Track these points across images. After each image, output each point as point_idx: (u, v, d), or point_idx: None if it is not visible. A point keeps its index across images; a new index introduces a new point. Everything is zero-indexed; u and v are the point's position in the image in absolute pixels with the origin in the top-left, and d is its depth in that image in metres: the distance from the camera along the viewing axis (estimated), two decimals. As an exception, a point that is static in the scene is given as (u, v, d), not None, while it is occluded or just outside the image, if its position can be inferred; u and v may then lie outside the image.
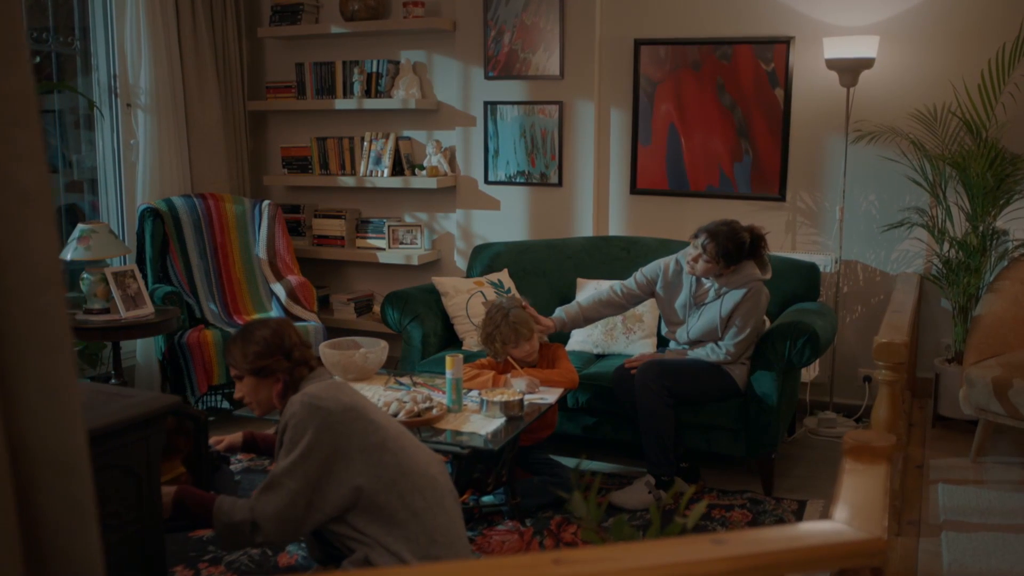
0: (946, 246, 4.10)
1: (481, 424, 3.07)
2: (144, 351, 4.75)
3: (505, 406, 3.10)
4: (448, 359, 3.16)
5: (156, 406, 2.09)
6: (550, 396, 3.34)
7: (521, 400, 3.14)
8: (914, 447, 3.96)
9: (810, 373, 4.31)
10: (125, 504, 2.07)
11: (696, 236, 3.49)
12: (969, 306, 4.07)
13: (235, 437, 2.79)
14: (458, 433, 3.02)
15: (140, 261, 4.51)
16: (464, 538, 2.41)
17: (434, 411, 3.06)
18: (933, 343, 4.40)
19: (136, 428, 2.06)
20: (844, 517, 1.58)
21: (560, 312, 3.74)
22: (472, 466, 3.16)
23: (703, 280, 3.59)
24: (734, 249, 3.44)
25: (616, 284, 3.79)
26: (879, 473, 1.79)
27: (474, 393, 3.29)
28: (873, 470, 1.81)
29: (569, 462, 3.85)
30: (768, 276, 3.56)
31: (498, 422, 3.08)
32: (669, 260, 3.72)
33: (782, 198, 4.49)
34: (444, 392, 3.25)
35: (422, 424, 3.01)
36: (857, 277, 4.46)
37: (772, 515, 3.41)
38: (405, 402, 3.05)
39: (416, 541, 2.26)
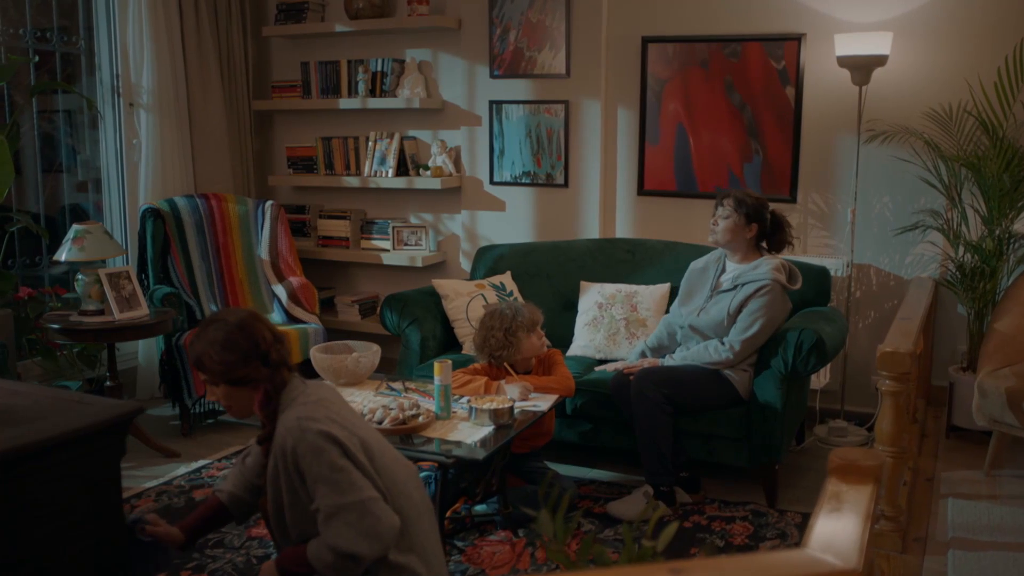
0: (961, 250, 3.95)
1: (469, 432, 2.98)
2: (146, 352, 4.72)
3: (494, 414, 3.02)
4: (436, 365, 3.08)
5: (116, 414, 2.03)
6: (543, 403, 3.25)
7: (511, 407, 3.05)
8: (925, 459, 3.82)
9: (820, 380, 4.19)
10: (83, 515, 2.01)
11: (716, 203, 3.52)
12: (985, 312, 3.93)
13: (174, 533, 2.35)
14: (445, 441, 2.93)
15: (142, 262, 4.48)
16: (440, 554, 2.33)
17: (421, 418, 2.98)
18: (949, 350, 4.25)
19: (95, 437, 2.00)
20: (819, 545, 1.48)
21: (644, 350, 3.74)
22: (459, 475, 3.08)
23: (727, 264, 3.53)
24: (754, 204, 3.44)
25: (667, 319, 3.74)
26: (863, 496, 1.68)
27: (464, 400, 3.21)
28: (857, 492, 1.71)
29: (566, 470, 3.76)
30: (796, 287, 3.47)
31: (487, 430, 2.99)
32: (700, 259, 3.69)
33: (793, 199, 4.36)
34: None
35: (408, 432, 2.93)
36: (870, 281, 4.32)
37: (774, 528, 3.30)
38: (391, 409, 2.97)
39: (395, 554, 2.18)
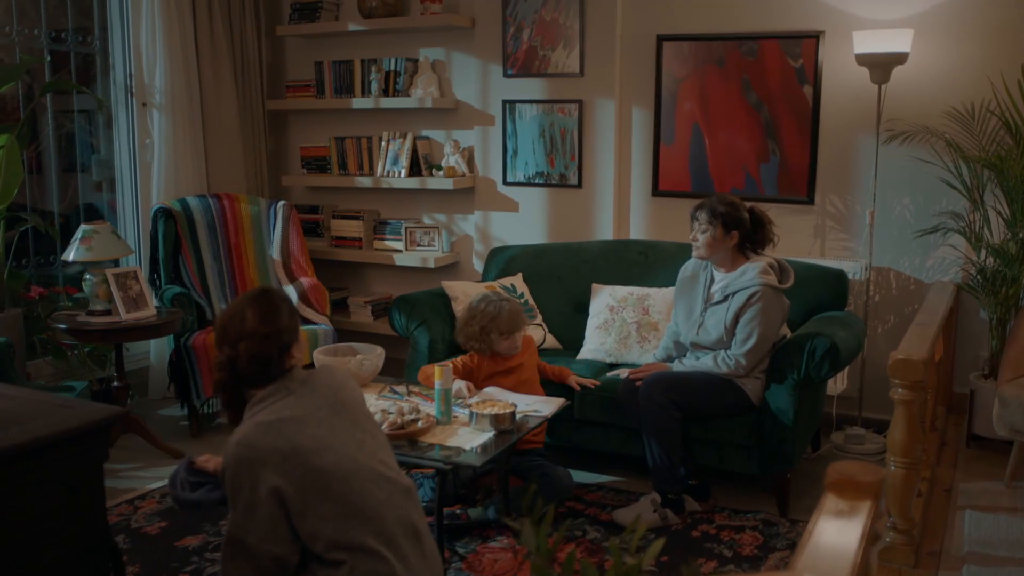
0: (983, 254, 3.84)
1: (469, 438, 2.93)
2: (157, 352, 4.72)
3: (495, 419, 2.96)
4: (437, 369, 3.03)
5: (96, 418, 2.00)
6: (545, 409, 3.19)
7: (512, 413, 3.00)
8: (944, 468, 3.71)
9: (837, 386, 4.09)
10: (63, 520, 1.98)
11: (691, 218, 3.40)
12: (1008, 318, 3.81)
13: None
14: (444, 447, 2.88)
15: (154, 261, 4.48)
16: (428, 571, 2.23)
17: (420, 423, 2.93)
18: (972, 356, 4.13)
19: (75, 440, 1.97)
20: (809, 567, 1.41)
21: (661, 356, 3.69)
22: (456, 480, 3.02)
23: (715, 274, 3.42)
24: (727, 211, 3.32)
25: (671, 328, 3.67)
26: (860, 514, 1.61)
27: (474, 400, 3.15)
28: (854, 510, 1.63)
29: (574, 475, 3.69)
30: (787, 284, 3.36)
31: (487, 435, 2.94)
32: (688, 264, 3.57)
33: (810, 201, 4.26)
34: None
35: (406, 437, 2.88)
36: (889, 285, 4.21)
37: (785, 539, 3.22)
38: (390, 413, 2.92)
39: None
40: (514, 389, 3.37)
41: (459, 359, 3.48)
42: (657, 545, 1.59)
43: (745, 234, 3.36)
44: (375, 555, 2.02)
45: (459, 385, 3.27)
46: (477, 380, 3.41)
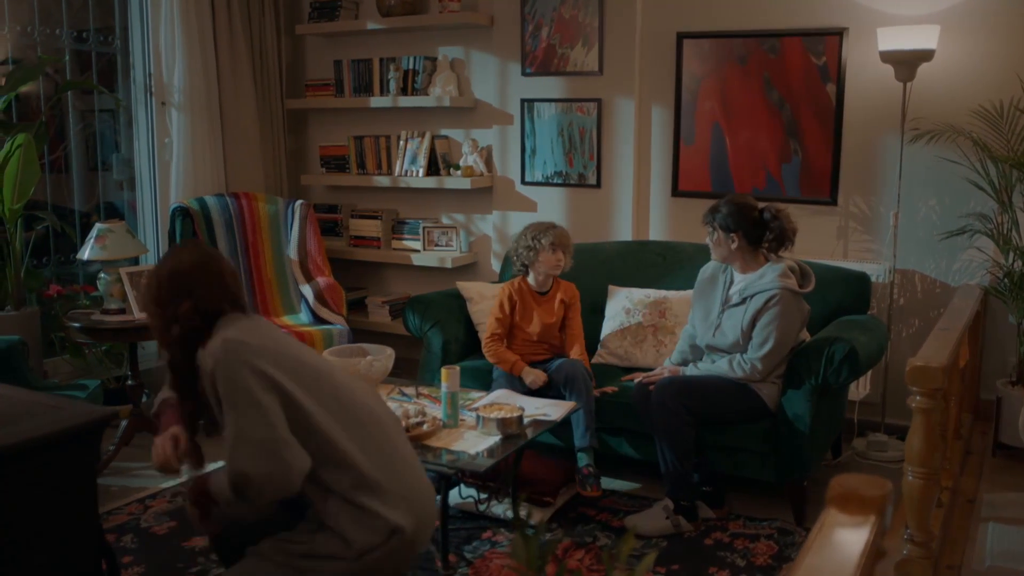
0: (1011, 256, 3.72)
1: (475, 442, 2.89)
2: (175, 351, 4.72)
3: (502, 423, 2.92)
4: (444, 371, 3.00)
5: (86, 419, 1.98)
6: (554, 413, 3.13)
7: (520, 417, 2.95)
8: (968, 478, 3.60)
9: (859, 391, 4.00)
10: (54, 522, 1.96)
11: (704, 221, 3.34)
12: (1036, 323, 3.70)
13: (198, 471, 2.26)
14: (450, 450, 2.84)
15: (172, 260, 4.48)
16: (416, 468, 2.23)
17: (425, 427, 2.89)
18: (999, 362, 4.01)
19: (64, 442, 1.95)
20: (804, 585, 1.35)
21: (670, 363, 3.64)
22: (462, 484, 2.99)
23: (735, 277, 3.35)
24: (730, 213, 3.24)
25: (688, 331, 3.60)
26: (861, 531, 1.54)
27: (473, 407, 3.11)
28: (855, 525, 1.56)
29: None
30: (808, 288, 3.28)
31: (493, 440, 2.89)
32: (708, 265, 3.50)
33: (833, 202, 4.17)
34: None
35: (411, 440, 2.84)
36: (914, 288, 4.10)
37: (800, 548, 3.13)
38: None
39: (369, 482, 2.06)
40: (540, 329, 3.68)
41: (496, 300, 3.74)
42: (649, 559, 1.54)
43: (750, 235, 3.27)
44: (377, 460, 2.12)
45: (533, 376, 3.53)
46: (514, 315, 3.70)
